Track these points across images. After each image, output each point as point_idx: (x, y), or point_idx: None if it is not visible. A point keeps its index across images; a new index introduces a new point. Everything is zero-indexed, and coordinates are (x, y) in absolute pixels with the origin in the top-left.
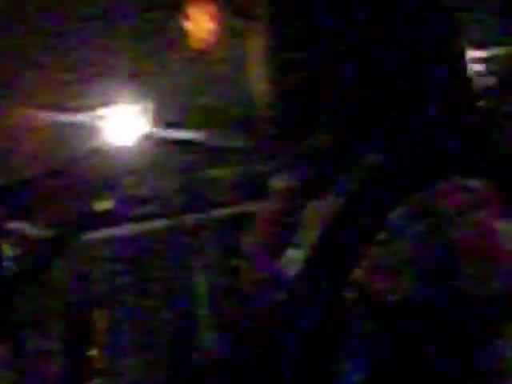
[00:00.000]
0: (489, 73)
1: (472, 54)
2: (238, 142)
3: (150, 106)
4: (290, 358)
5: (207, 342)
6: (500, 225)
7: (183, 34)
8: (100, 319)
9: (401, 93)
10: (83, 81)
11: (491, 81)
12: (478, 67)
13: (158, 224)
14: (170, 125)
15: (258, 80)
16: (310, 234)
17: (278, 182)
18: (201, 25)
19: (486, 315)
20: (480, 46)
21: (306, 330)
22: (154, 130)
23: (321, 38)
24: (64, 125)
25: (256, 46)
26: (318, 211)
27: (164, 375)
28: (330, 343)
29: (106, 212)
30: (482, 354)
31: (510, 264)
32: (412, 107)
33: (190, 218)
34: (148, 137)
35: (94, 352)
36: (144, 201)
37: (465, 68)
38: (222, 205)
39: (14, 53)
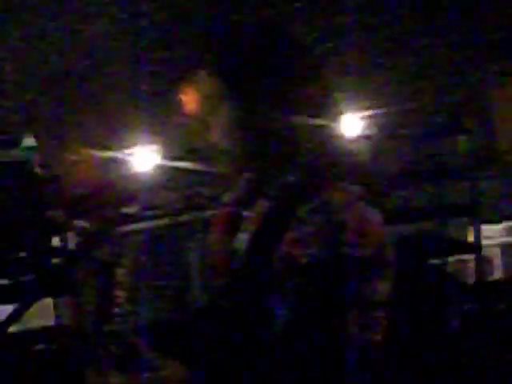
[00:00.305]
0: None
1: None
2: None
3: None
4: (245, 301)
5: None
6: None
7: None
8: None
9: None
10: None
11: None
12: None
13: (163, 221)
14: (174, 159)
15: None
16: (251, 225)
17: (227, 196)
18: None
19: (361, 268)
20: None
21: (253, 283)
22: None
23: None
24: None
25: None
26: (254, 212)
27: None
28: (266, 292)
29: (132, 214)
30: (360, 288)
31: (376, 237)
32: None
33: (183, 218)
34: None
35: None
36: (154, 207)
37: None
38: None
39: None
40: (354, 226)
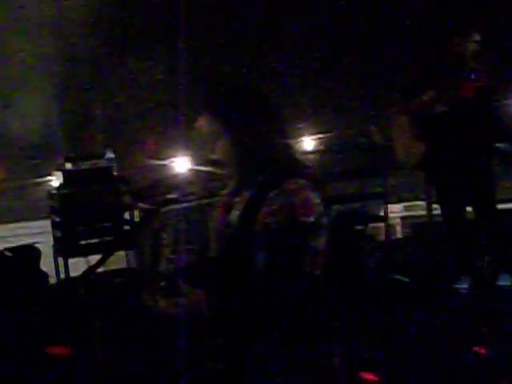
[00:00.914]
0: None
1: None
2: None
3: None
4: (238, 252)
5: None
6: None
7: None
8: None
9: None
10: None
11: None
12: None
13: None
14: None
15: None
16: (240, 205)
17: (226, 189)
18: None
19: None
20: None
21: (242, 240)
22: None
23: None
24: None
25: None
26: (242, 198)
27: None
28: (250, 246)
29: (174, 198)
30: (306, 240)
31: (315, 211)
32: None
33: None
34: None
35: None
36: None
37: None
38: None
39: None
40: (300, 203)
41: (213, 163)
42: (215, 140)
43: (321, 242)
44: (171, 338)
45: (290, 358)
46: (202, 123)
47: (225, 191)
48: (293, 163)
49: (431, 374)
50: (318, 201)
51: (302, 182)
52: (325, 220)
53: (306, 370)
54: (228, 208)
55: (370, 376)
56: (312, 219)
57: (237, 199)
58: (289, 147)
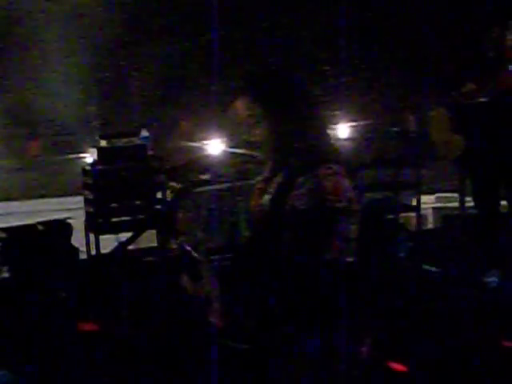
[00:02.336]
0: None
1: None
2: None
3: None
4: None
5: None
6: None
7: None
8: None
9: None
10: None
11: None
12: None
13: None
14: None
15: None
16: (272, 189)
17: (261, 175)
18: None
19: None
20: None
21: (273, 221)
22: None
23: None
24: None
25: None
26: (273, 182)
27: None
28: (280, 226)
29: (207, 179)
30: (337, 226)
31: (346, 196)
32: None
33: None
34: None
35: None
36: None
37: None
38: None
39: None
40: (331, 189)
41: (247, 146)
42: (253, 123)
43: (352, 228)
44: (199, 317)
45: (314, 342)
46: (242, 106)
47: (260, 175)
48: (326, 149)
49: (455, 363)
50: (349, 187)
51: (333, 167)
52: (356, 207)
53: (331, 355)
54: (262, 192)
55: (397, 366)
56: (341, 205)
57: (271, 183)
58: (324, 133)
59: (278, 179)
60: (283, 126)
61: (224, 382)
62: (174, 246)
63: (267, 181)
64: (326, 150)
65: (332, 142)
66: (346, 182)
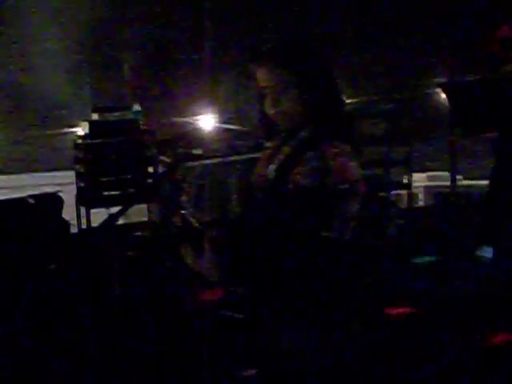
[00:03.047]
0: None
1: None
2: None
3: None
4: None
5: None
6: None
7: None
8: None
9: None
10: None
11: None
12: None
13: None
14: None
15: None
16: (277, 160)
17: (267, 145)
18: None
19: (340, 194)
20: None
21: (276, 194)
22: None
23: None
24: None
25: None
26: (280, 153)
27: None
28: (282, 200)
29: (198, 154)
30: (340, 206)
31: (351, 177)
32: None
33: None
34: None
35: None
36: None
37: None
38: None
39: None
40: (337, 168)
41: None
42: (279, 91)
43: (354, 210)
44: (190, 290)
45: (310, 316)
46: (265, 74)
47: (269, 143)
48: (339, 124)
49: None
50: (355, 169)
51: (342, 146)
52: (362, 189)
53: (326, 328)
54: (269, 161)
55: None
56: (345, 187)
57: (279, 153)
58: (340, 106)
59: (286, 150)
60: (310, 93)
61: (222, 350)
62: (169, 219)
63: (276, 150)
64: (336, 125)
65: (345, 118)
66: (353, 164)
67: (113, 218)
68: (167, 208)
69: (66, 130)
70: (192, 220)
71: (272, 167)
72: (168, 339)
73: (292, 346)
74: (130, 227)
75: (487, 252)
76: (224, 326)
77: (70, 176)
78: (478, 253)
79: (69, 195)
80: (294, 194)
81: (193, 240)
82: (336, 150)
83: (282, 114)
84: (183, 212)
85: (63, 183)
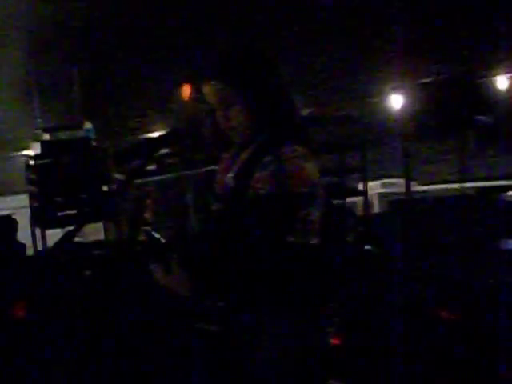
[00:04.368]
0: None
1: None
2: None
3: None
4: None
5: None
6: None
7: None
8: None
9: None
10: None
11: None
12: None
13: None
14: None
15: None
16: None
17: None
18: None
19: (298, 198)
20: None
21: (236, 203)
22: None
23: None
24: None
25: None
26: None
27: None
28: (242, 206)
29: (152, 170)
30: (299, 209)
31: (310, 180)
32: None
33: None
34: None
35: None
36: (166, 165)
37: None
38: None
39: None
40: (295, 172)
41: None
42: (225, 106)
43: (315, 212)
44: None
45: (281, 324)
46: (211, 88)
47: (226, 154)
48: (293, 127)
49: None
50: (313, 171)
51: (299, 149)
52: (321, 191)
53: (297, 336)
54: (228, 170)
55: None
56: (304, 190)
57: (236, 161)
58: (292, 111)
59: (244, 157)
60: (254, 104)
61: (198, 363)
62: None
63: (233, 158)
64: (293, 129)
65: (300, 121)
66: (310, 165)
67: (66, 237)
68: (130, 225)
69: (16, 153)
70: (157, 236)
71: (230, 175)
72: (139, 354)
73: (268, 354)
74: (86, 246)
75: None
76: (199, 339)
77: (23, 199)
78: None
79: (24, 218)
80: (254, 200)
81: (160, 256)
82: (293, 154)
83: (231, 128)
84: (146, 228)
85: (17, 206)
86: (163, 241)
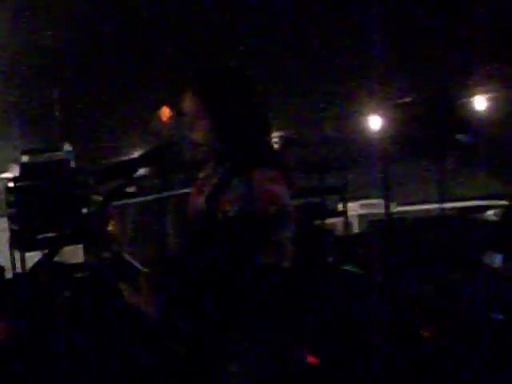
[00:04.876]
0: None
1: None
2: None
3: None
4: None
5: None
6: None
7: None
8: None
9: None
10: None
11: None
12: None
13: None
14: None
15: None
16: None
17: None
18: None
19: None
20: None
21: (208, 224)
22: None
23: None
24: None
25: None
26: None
27: None
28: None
29: (131, 192)
30: (270, 228)
31: (279, 201)
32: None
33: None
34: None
35: None
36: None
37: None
38: None
39: None
40: (263, 195)
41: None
42: (196, 119)
43: (286, 234)
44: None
45: (250, 345)
46: (186, 102)
47: (200, 175)
48: (264, 150)
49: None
50: (283, 192)
51: (268, 173)
52: (291, 212)
53: (266, 357)
54: (200, 192)
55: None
56: (273, 211)
57: (207, 184)
58: (264, 134)
59: (214, 179)
60: (225, 123)
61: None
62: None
63: (205, 180)
64: (263, 152)
65: (271, 144)
66: (279, 188)
67: (45, 260)
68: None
69: None
70: (128, 258)
71: (202, 199)
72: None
73: (237, 374)
74: (66, 269)
75: (496, 259)
76: (167, 359)
77: (2, 222)
78: (486, 260)
79: (1, 241)
80: (224, 223)
81: (130, 277)
82: (262, 177)
83: (191, 143)
84: (119, 250)
85: None
86: (134, 262)
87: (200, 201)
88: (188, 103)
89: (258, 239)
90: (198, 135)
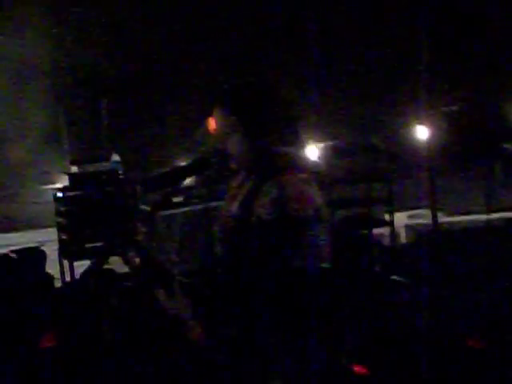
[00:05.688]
0: None
1: None
2: None
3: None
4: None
5: None
6: None
7: None
8: None
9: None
10: None
11: None
12: None
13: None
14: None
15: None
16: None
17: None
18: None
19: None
20: None
21: (242, 229)
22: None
23: None
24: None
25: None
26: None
27: None
28: (247, 232)
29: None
30: (305, 234)
31: (313, 204)
32: None
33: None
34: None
35: None
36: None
37: None
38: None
39: None
40: (294, 197)
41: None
42: (227, 133)
43: (319, 235)
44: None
45: (291, 351)
46: (217, 116)
47: (233, 184)
48: (292, 156)
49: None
50: (314, 194)
51: (298, 174)
52: (324, 213)
53: (307, 363)
54: (234, 199)
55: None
56: (305, 213)
57: (240, 191)
58: (295, 143)
59: (247, 186)
60: (256, 136)
61: None
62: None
63: (238, 188)
64: (291, 157)
65: (300, 149)
66: (311, 189)
67: (91, 269)
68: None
69: (46, 186)
70: (166, 265)
71: (236, 205)
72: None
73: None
74: (114, 277)
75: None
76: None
77: (53, 232)
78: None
79: (52, 250)
80: (257, 227)
81: (167, 285)
82: (292, 179)
83: (229, 155)
84: (160, 258)
85: (47, 239)
86: (171, 270)
87: (234, 208)
88: (217, 117)
89: (294, 242)
90: (229, 147)
